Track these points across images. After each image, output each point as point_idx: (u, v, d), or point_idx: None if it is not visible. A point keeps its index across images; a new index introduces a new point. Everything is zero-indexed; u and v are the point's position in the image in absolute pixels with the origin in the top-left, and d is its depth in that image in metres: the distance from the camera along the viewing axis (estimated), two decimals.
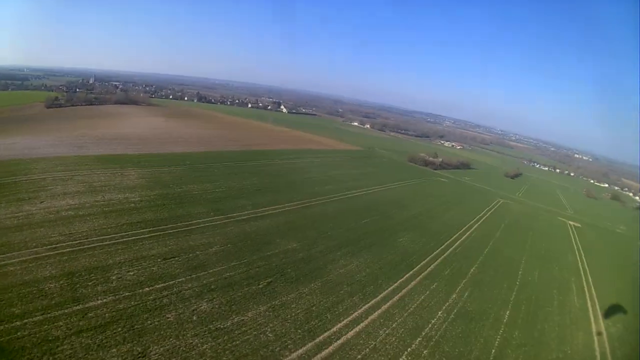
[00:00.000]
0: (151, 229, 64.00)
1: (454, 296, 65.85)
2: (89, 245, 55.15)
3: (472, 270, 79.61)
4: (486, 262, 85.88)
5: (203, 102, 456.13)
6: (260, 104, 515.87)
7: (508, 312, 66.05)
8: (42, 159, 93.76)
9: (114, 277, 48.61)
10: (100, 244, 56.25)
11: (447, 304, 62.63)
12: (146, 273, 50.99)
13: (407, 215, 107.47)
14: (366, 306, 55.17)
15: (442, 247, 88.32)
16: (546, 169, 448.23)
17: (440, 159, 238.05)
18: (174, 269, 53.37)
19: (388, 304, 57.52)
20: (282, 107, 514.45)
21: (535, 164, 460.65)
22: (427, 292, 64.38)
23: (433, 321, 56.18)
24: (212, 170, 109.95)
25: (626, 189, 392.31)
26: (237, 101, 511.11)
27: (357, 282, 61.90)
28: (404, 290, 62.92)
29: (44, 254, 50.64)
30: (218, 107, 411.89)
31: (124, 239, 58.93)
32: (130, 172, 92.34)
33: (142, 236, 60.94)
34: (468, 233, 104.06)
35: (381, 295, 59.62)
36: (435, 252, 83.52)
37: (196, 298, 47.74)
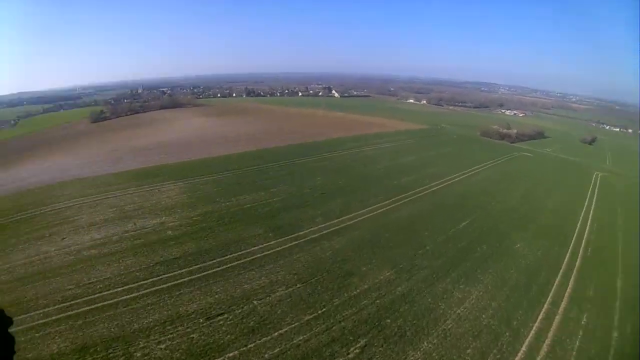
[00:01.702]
0: (192, 267, 47.84)
1: (615, 335, 45.71)
2: (111, 301, 40.84)
3: (619, 284, 58.38)
4: (629, 269, 63.63)
5: (252, 96, 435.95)
6: (311, 92, 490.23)
7: None
8: (72, 181, 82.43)
9: (138, 354, 33.56)
10: (125, 296, 41.58)
11: (612, 348, 43.09)
12: (183, 345, 35.16)
13: (508, 208, 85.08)
14: None
15: (569, 251, 66.69)
16: (617, 130, 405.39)
17: (515, 131, 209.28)
18: (222, 334, 36.96)
19: None
20: (333, 91, 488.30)
21: (605, 126, 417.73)
22: (580, 333, 44.75)
23: None
24: (267, 172, 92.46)
25: None
26: (286, 91, 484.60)
27: (485, 328, 42.59)
28: (550, 334, 43.51)
29: (54, 317, 38.01)
30: (267, 99, 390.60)
31: (156, 287, 43.32)
32: (169, 187, 77.49)
33: (180, 280, 44.94)
34: (588, 225, 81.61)
35: (523, 347, 40.66)
36: (565, 262, 62.40)
37: None
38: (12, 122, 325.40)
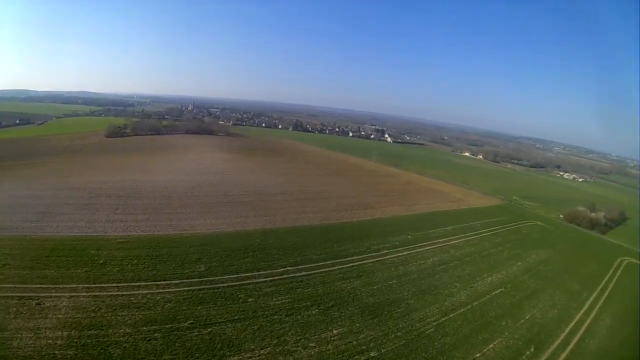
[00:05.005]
0: None
1: None
2: None
3: None
4: None
5: (298, 130, 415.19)
6: (363, 132, 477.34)
7: None
8: None
9: None
10: None
11: None
12: None
13: None
14: None
15: None
16: None
17: (603, 214, 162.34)
18: None
19: None
20: (386, 135, 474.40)
21: None
22: None
23: None
24: (247, 296, 52.36)
25: None
26: (337, 129, 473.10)
27: None
28: None
29: None
30: (314, 136, 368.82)
31: None
32: (58, 301, 44.26)
33: None
34: None
35: None
36: None
37: None
38: (43, 121, 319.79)
